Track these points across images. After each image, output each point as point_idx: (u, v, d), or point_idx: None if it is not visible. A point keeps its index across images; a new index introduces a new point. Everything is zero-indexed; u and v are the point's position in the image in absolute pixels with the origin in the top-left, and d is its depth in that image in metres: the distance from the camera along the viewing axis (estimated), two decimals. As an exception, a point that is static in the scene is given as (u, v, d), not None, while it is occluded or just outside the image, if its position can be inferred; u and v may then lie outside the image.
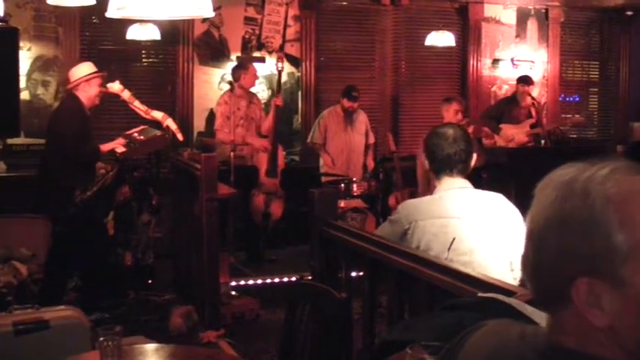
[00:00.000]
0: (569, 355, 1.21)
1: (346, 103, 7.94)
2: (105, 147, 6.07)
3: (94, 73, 6.00)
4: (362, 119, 8.20)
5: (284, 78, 8.89)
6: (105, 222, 6.24)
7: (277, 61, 7.81)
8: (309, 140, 8.24)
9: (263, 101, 8.23)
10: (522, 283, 3.07)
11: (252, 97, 7.77)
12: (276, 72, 8.17)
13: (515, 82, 8.99)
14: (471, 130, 7.80)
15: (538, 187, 1.25)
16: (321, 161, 8.11)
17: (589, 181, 1.18)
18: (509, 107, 8.75)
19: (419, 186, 6.96)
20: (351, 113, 8.04)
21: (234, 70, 7.74)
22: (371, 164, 8.24)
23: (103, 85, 6.06)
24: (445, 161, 3.21)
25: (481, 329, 1.43)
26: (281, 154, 7.86)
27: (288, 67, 8.92)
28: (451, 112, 7.19)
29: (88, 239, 5.84)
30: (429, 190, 6.88)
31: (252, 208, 7.63)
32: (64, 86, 6.45)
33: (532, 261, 1.24)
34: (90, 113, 6.11)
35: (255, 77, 7.72)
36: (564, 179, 1.21)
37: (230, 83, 7.54)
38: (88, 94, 5.93)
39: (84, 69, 6.05)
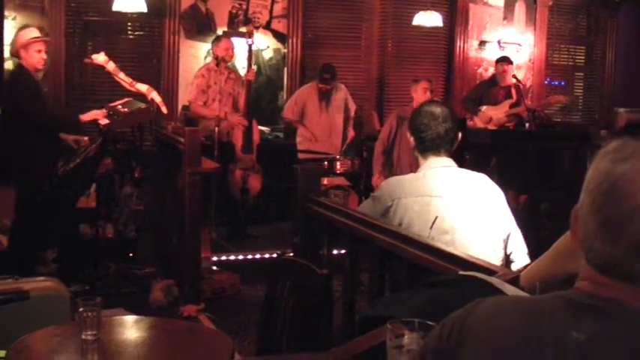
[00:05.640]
0: None
1: (319, 84, 7.90)
2: (85, 117, 6.00)
3: (32, 39, 5.86)
4: (340, 96, 8.11)
5: (270, 54, 8.87)
6: (87, 194, 6.20)
7: (246, 36, 7.65)
8: (282, 115, 8.21)
9: (248, 78, 8.18)
10: (505, 262, 3.08)
11: (230, 72, 7.71)
12: (260, 48, 8.11)
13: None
14: None
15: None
16: (299, 138, 8.05)
17: None
18: (488, 88, 8.72)
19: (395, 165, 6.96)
20: (328, 92, 7.98)
21: (211, 45, 7.73)
22: (351, 133, 8.21)
23: (87, 56, 5.99)
24: (435, 140, 3.18)
25: (485, 301, 1.44)
26: (256, 129, 7.81)
27: (274, 44, 8.89)
28: (419, 91, 7.09)
29: (62, 211, 5.80)
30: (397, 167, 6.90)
31: (230, 184, 7.61)
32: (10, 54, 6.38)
33: None
34: (38, 77, 6.06)
35: (229, 51, 7.57)
36: None
37: (216, 58, 7.49)
38: (27, 60, 5.81)
39: (23, 35, 5.93)
